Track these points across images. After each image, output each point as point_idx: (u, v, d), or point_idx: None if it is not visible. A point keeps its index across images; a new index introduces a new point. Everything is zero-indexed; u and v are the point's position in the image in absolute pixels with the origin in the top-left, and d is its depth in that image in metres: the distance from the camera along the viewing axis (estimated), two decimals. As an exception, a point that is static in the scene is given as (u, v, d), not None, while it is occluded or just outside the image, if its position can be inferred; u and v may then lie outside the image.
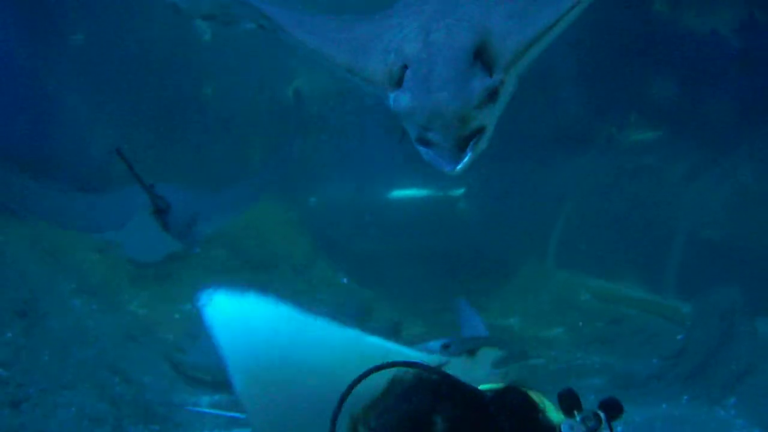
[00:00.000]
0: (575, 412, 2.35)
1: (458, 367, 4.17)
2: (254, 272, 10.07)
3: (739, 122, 9.38)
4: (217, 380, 8.61)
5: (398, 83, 3.68)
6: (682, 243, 9.97)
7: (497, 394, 2.34)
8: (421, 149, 3.61)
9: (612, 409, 2.38)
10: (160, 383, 8.52)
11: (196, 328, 9.04)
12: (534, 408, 2.33)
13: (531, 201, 10.58)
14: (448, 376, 2.34)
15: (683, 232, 10.02)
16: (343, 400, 2.72)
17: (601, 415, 2.36)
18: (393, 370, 2.38)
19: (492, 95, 3.48)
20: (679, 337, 8.68)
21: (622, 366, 8.51)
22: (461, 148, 3.44)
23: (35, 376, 7.39)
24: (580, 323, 9.35)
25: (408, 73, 3.66)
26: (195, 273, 9.90)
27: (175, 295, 9.75)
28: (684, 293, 9.43)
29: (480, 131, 3.51)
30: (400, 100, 3.62)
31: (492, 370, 4.59)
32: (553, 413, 2.35)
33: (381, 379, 2.37)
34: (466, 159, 3.39)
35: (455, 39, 3.61)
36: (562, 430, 2.32)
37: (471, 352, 4.47)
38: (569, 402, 2.38)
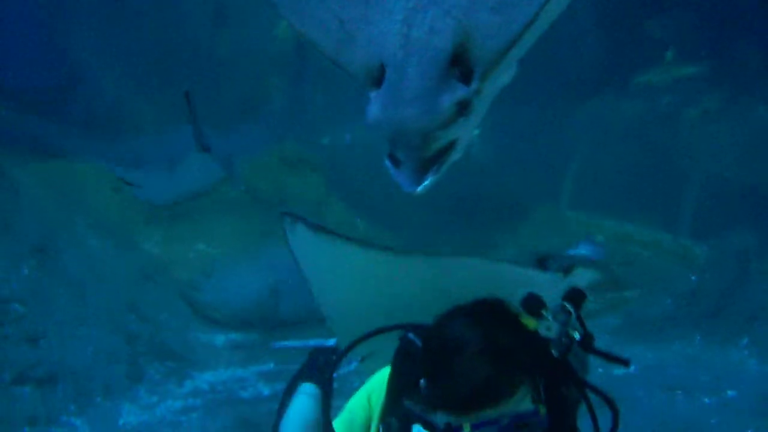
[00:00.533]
0: (543, 312, 2.40)
1: (549, 285, 4.05)
2: (267, 212, 10.09)
3: (758, 64, 9.29)
4: (231, 319, 8.68)
5: (377, 83, 3.30)
6: (697, 185, 9.94)
7: (477, 302, 2.40)
8: (387, 164, 3.23)
9: (575, 297, 2.44)
10: (176, 321, 8.58)
11: (211, 267, 9.14)
12: (516, 314, 2.39)
13: (545, 143, 10.54)
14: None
15: (699, 173, 9.99)
16: (344, 354, 2.77)
17: (569, 306, 2.40)
18: None
19: (463, 109, 3.11)
20: (693, 278, 8.67)
21: (635, 306, 8.51)
22: (424, 169, 3.11)
23: (52, 312, 7.44)
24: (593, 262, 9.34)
25: (386, 75, 3.29)
26: (208, 213, 9.94)
27: (190, 234, 9.79)
28: (699, 235, 9.41)
29: (450, 146, 3.18)
30: (371, 108, 3.25)
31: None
32: (526, 319, 2.39)
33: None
34: (426, 182, 3.05)
35: (436, 39, 3.22)
36: (540, 332, 2.36)
37: (567, 270, 4.34)
38: (533, 304, 2.44)
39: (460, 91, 3.06)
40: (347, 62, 3.51)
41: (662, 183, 9.75)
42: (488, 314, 2.35)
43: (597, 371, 7.28)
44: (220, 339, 8.51)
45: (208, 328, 8.65)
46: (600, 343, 2.42)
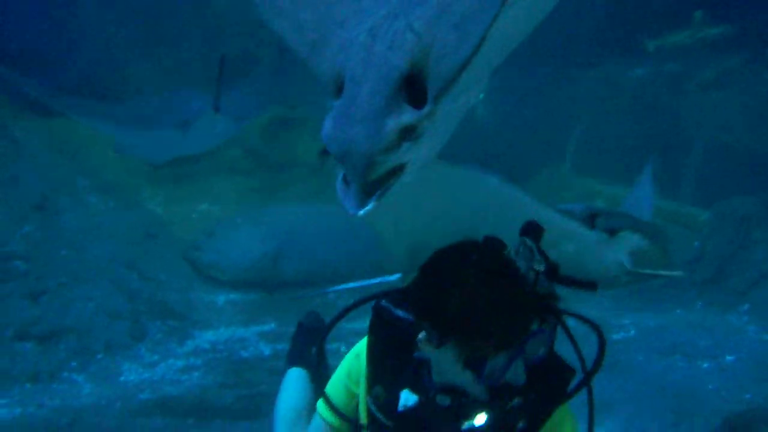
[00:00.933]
0: (507, 251, 2.42)
1: (588, 243, 4.00)
2: (270, 171, 10.08)
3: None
4: (233, 279, 8.70)
5: (339, 93, 3.10)
6: (700, 150, 9.91)
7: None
8: (338, 181, 3.07)
9: (533, 231, 2.44)
10: (177, 281, 8.60)
11: (213, 227, 9.15)
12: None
13: (549, 107, 10.52)
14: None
15: (702, 139, 9.97)
16: (329, 328, 2.77)
17: (528, 241, 2.42)
18: None
19: (409, 134, 2.90)
20: (695, 244, 8.67)
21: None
22: (366, 193, 2.93)
23: (53, 269, 7.46)
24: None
25: (344, 87, 3.09)
26: (211, 173, 9.95)
27: (192, 194, 9.80)
28: (701, 200, 9.40)
29: (398, 171, 2.99)
30: (325, 122, 3.06)
31: (624, 258, 4.22)
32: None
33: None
34: (369, 207, 2.89)
35: (392, 55, 2.97)
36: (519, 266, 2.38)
37: (612, 232, 4.14)
38: (495, 243, 2.44)
39: (407, 115, 2.86)
40: (315, 67, 3.33)
41: (666, 147, 9.72)
42: (479, 247, 2.40)
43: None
44: (221, 299, 8.53)
45: (210, 287, 8.67)
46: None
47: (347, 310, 2.70)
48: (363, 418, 2.68)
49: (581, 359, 2.48)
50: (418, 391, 2.50)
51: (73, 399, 6.37)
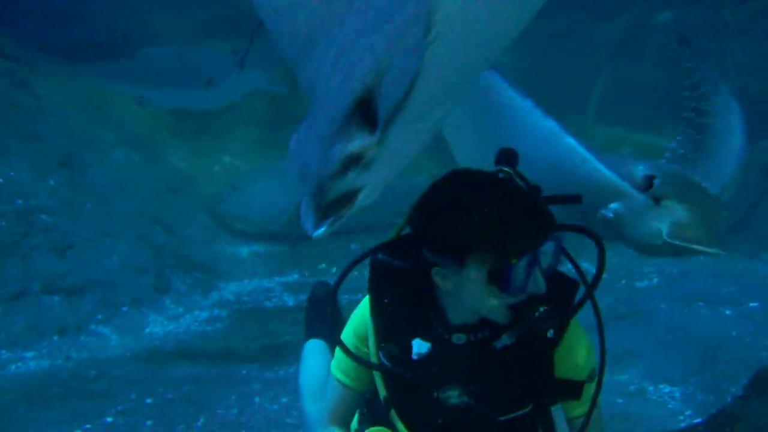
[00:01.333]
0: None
1: (635, 206, 3.96)
2: (293, 123, 10.04)
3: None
4: (257, 231, 8.74)
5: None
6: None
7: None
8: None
9: (508, 158, 2.47)
10: (201, 234, 8.66)
11: (236, 179, 9.18)
12: None
13: (572, 56, 10.41)
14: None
15: (726, 85, 9.83)
16: (335, 292, 2.77)
17: (506, 168, 2.46)
18: None
19: (357, 162, 2.76)
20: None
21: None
22: (321, 216, 2.84)
23: (79, 224, 7.51)
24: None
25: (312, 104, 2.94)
26: (234, 126, 9.94)
27: (215, 147, 9.81)
28: (726, 147, 9.30)
29: (352, 196, 2.88)
30: (291, 139, 2.98)
31: (665, 227, 4.17)
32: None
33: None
34: (321, 231, 2.81)
35: (350, 78, 2.78)
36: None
37: (657, 199, 4.08)
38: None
39: (355, 143, 2.72)
40: (298, 77, 3.23)
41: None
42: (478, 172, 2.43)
43: (620, 282, 7.24)
44: (244, 251, 8.58)
45: (234, 240, 8.72)
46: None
47: (348, 270, 2.68)
48: (376, 375, 2.68)
49: (579, 272, 2.53)
50: (429, 338, 2.52)
51: (99, 351, 6.46)
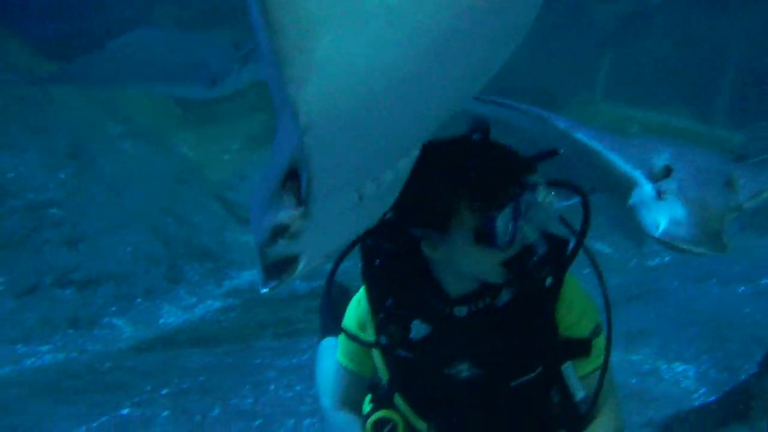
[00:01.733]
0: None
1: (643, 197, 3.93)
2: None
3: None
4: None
5: None
6: (732, 72, 9.74)
7: None
8: None
9: (479, 128, 2.44)
10: (213, 223, 8.66)
11: (245, 168, 9.18)
12: None
13: (579, 34, 10.37)
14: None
15: (734, 61, 9.79)
16: (330, 283, 2.75)
17: (476, 135, 2.45)
18: None
19: (282, 233, 2.47)
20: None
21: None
22: (269, 274, 2.48)
23: (90, 217, 7.53)
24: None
25: None
26: (241, 114, 9.94)
27: (223, 136, 9.81)
28: (734, 123, 9.26)
29: (293, 260, 2.56)
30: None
31: (658, 221, 3.90)
32: None
33: None
34: (268, 288, 2.44)
35: (290, 141, 2.41)
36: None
37: (660, 193, 3.88)
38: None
39: (281, 214, 2.41)
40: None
41: (697, 71, 9.57)
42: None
43: (631, 262, 7.23)
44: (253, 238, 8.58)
45: (244, 228, 8.71)
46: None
47: (339, 261, 2.69)
48: (378, 360, 2.70)
49: (567, 225, 2.54)
50: (429, 317, 2.52)
51: (114, 343, 6.49)
